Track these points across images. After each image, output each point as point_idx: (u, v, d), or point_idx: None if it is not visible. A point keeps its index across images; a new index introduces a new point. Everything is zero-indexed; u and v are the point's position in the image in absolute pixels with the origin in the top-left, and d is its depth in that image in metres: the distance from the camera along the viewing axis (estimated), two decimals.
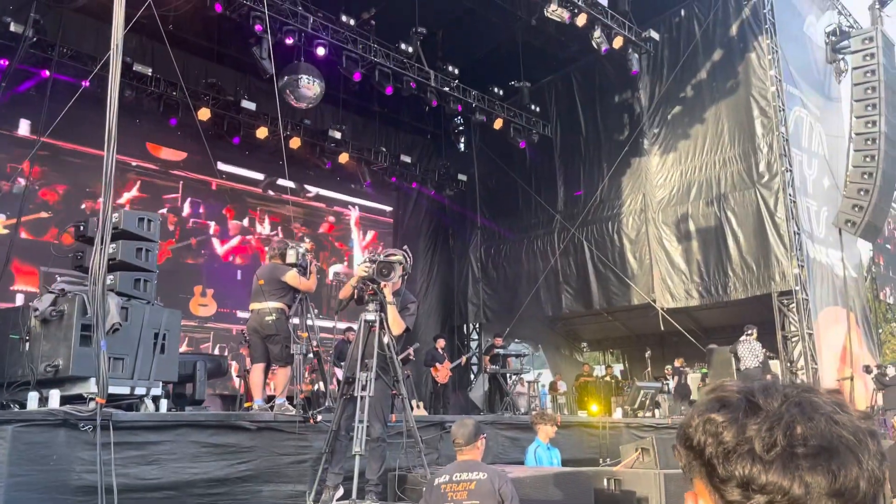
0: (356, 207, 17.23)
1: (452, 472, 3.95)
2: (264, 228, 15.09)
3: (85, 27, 11.97)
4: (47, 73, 11.18)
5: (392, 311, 5.42)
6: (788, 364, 12.40)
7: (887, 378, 12.78)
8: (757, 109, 13.43)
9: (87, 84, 10.01)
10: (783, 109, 13.19)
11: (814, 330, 12.61)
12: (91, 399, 5.14)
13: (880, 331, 19.37)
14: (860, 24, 16.03)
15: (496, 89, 15.05)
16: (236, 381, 12.04)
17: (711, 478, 0.81)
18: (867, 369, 13.44)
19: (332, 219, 16.80)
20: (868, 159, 13.09)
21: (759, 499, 0.77)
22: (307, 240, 9.95)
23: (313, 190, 16.23)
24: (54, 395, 5.30)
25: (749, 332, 11.82)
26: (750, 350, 11.64)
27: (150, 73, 12.06)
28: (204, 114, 12.53)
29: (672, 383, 13.19)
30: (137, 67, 11.83)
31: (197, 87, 13.01)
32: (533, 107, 15.74)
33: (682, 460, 0.86)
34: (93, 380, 5.30)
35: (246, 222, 14.88)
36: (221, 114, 13.31)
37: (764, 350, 11.72)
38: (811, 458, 0.76)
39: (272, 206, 15.27)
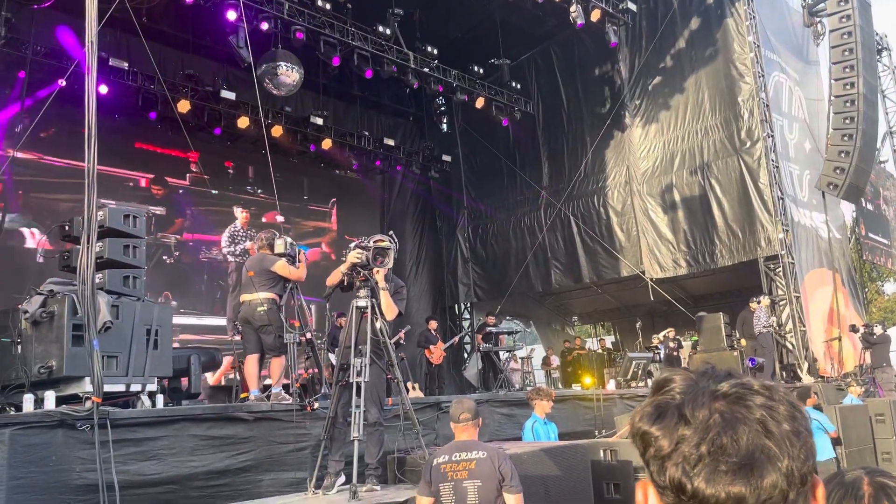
0: None
1: (451, 451, 3.98)
2: None
3: (58, 23, 11.78)
4: (23, 73, 11.03)
5: (386, 297, 5.45)
6: (777, 328, 12.56)
7: (874, 337, 12.97)
8: (736, 76, 13.47)
9: (63, 83, 9.89)
10: (762, 75, 13.24)
11: (801, 293, 12.76)
12: (87, 398, 5.15)
13: (866, 290, 19.62)
14: None
15: (476, 68, 14.99)
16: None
17: (652, 478, 0.89)
18: (854, 329, 13.63)
19: None
20: (848, 121, 13.16)
21: None
22: (240, 211, 9.77)
23: None
24: (50, 397, 5.30)
25: (758, 299, 12.05)
26: (761, 316, 11.87)
27: (126, 68, 11.93)
28: (183, 106, 12.42)
29: (662, 352, 13.34)
30: (113, 62, 11.69)
31: (175, 79, 12.87)
32: (514, 84, 15.70)
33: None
34: (87, 379, 5.30)
35: None
36: (201, 105, 13.19)
37: (773, 317, 11.98)
38: (731, 474, 0.82)
39: None
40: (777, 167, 13.01)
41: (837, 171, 13.15)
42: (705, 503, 0.83)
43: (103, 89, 11.37)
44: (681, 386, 0.90)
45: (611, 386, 11.88)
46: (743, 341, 12.32)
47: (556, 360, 16.49)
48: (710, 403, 0.87)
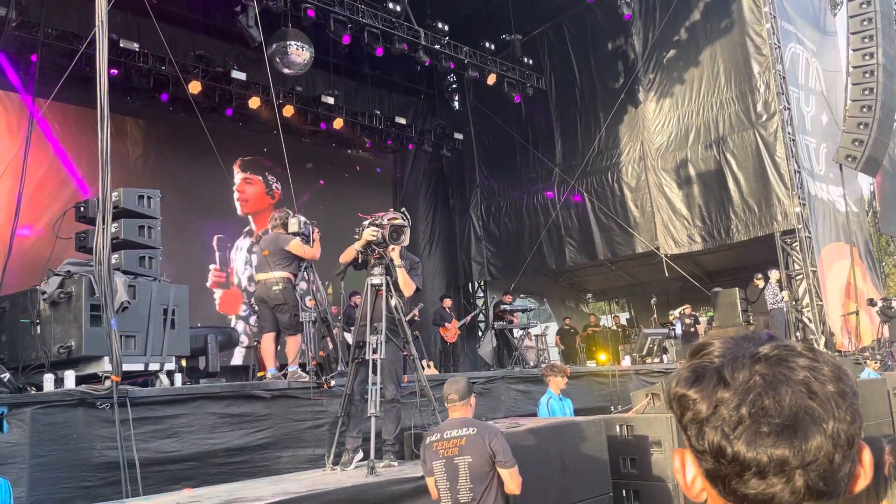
0: None
1: (443, 430, 4.00)
2: None
3: (68, 5, 11.76)
4: (35, 57, 11.01)
5: (402, 274, 5.45)
6: (794, 302, 12.47)
7: (893, 310, 12.86)
8: (752, 48, 13.26)
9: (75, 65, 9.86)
10: (779, 47, 13.03)
11: (817, 267, 12.65)
12: (106, 377, 5.21)
13: (883, 264, 19.44)
14: None
15: (487, 44, 14.84)
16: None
17: (690, 444, 0.87)
18: (872, 302, 13.53)
19: None
20: (866, 92, 12.96)
21: (730, 469, 0.82)
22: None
23: None
24: (69, 376, 5.36)
25: (769, 274, 12.02)
26: (772, 293, 11.83)
27: (137, 49, 11.90)
28: (195, 87, 12.38)
29: (679, 328, 13.30)
30: (124, 44, 11.66)
31: (185, 60, 12.83)
32: (526, 60, 15.54)
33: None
34: (106, 358, 5.36)
35: None
36: (212, 86, 13.16)
37: (783, 292, 11.95)
38: (774, 436, 0.79)
39: None
40: (794, 140, 12.84)
41: (856, 144, 12.98)
42: (746, 467, 0.81)
43: (113, 71, 11.35)
44: (720, 349, 0.88)
45: (626, 362, 11.87)
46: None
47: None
48: (751, 366, 0.84)
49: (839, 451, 0.80)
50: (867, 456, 0.85)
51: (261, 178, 14.52)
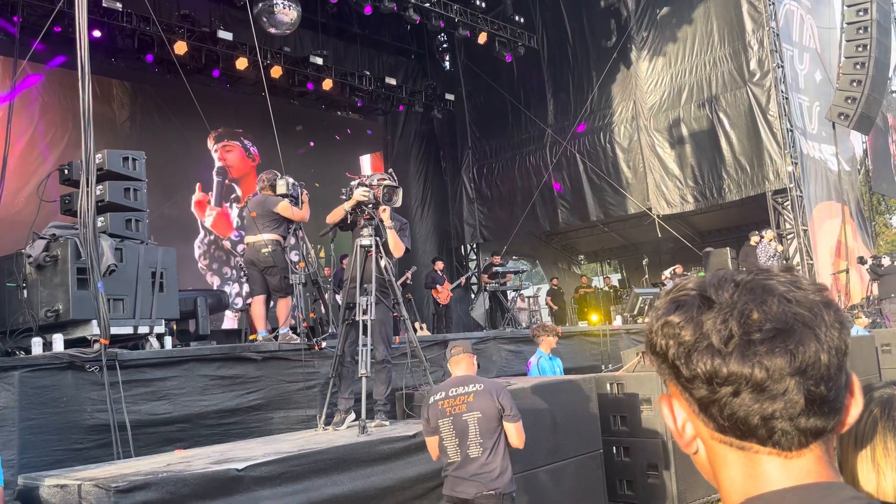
0: None
1: (448, 388, 4.00)
2: None
3: None
4: (17, 18, 10.76)
5: (392, 235, 5.41)
6: (784, 261, 12.51)
7: (882, 268, 12.93)
8: (746, 5, 13.09)
9: (59, 29, 9.67)
10: (773, 3, 12.85)
11: (808, 226, 12.66)
12: (95, 341, 5.18)
13: (874, 223, 19.50)
14: None
15: (478, 2, 14.57)
16: None
17: (678, 378, 0.82)
18: (862, 261, 13.59)
19: None
20: (860, 49, 12.83)
21: (724, 390, 0.78)
22: None
23: None
24: (58, 340, 5.34)
25: (759, 234, 12.03)
26: (764, 251, 11.87)
27: (119, 8, 11.64)
28: (180, 48, 12.16)
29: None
30: (106, 3, 11.39)
31: (170, 20, 12.58)
32: (517, 18, 15.28)
33: (653, 366, 0.87)
34: (95, 322, 5.33)
35: None
36: (198, 46, 12.91)
37: (778, 248, 12.00)
38: (767, 343, 0.76)
39: None
40: (787, 99, 12.75)
41: (849, 101, 12.89)
42: (742, 384, 0.77)
43: (96, 33, 11.12)
44: (696, 282, 0.85)
45: (617, 322, 11.93)
46: None
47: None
48: (733, 287, 0.81)
49: (834, 359, 0.78)
50: (857, 385, 0.82)
51: (237, 142, 14.32)
